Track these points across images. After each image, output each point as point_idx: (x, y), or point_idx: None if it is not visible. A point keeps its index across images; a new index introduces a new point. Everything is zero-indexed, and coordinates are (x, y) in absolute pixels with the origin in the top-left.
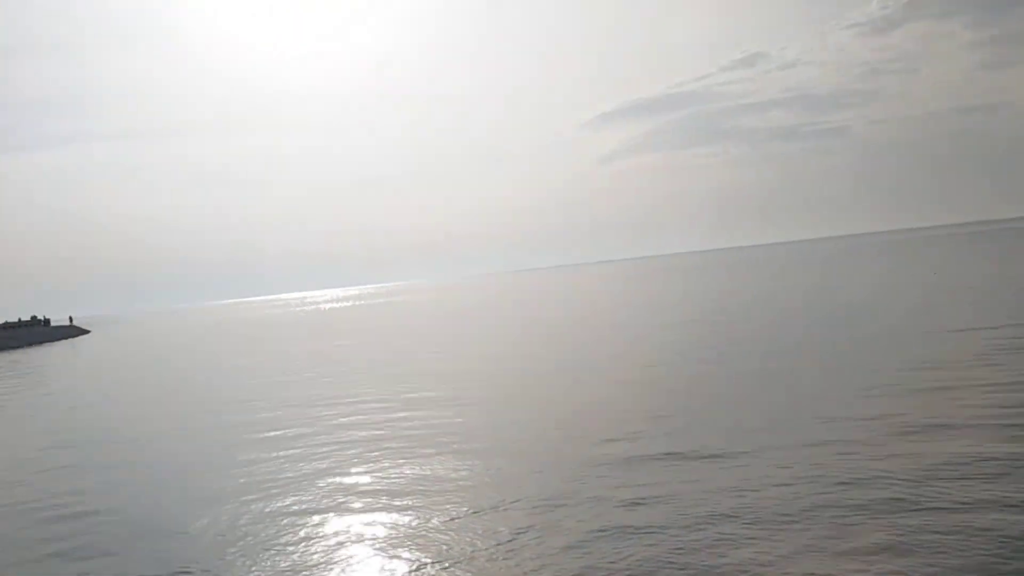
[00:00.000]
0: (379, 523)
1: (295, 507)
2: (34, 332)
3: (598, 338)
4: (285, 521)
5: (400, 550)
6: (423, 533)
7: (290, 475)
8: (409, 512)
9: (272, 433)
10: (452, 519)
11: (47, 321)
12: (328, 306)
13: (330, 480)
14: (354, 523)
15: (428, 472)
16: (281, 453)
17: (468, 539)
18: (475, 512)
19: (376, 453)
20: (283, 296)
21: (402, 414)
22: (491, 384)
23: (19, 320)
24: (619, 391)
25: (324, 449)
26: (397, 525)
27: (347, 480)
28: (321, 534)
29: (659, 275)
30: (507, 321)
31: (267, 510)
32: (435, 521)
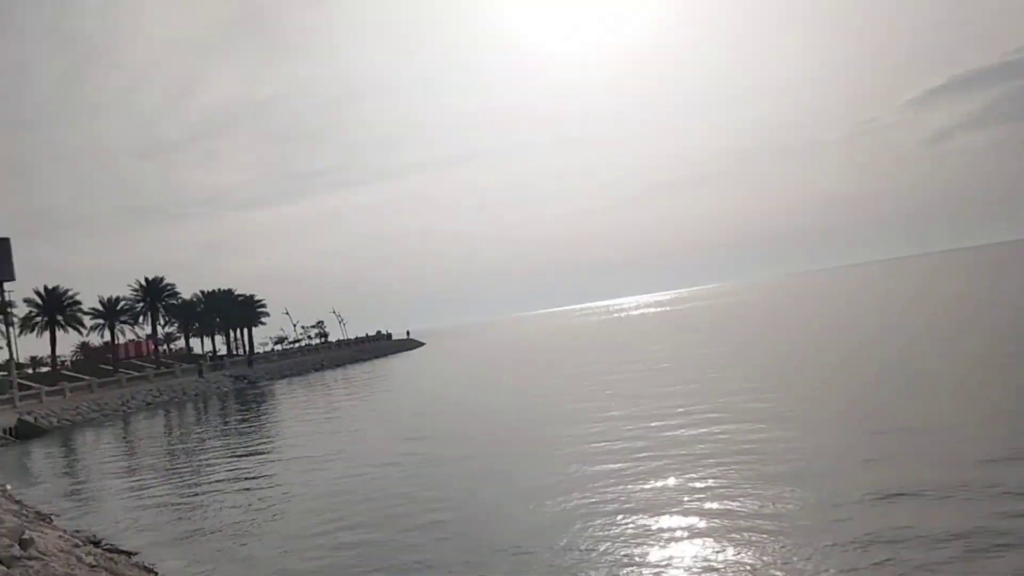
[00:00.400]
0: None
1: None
2: (379, 345)
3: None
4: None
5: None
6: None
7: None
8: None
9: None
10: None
11: (389, 335)
12: (639, 311)
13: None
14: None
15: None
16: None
17: None
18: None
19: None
20: (589, 305)
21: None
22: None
23: (366, 335)
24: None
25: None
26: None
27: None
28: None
29: (1005, 265)
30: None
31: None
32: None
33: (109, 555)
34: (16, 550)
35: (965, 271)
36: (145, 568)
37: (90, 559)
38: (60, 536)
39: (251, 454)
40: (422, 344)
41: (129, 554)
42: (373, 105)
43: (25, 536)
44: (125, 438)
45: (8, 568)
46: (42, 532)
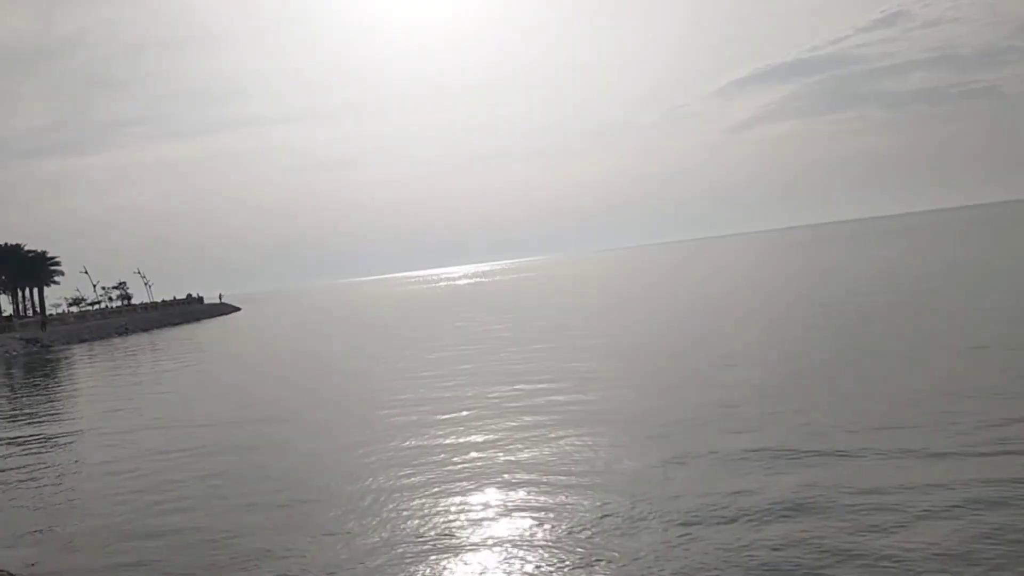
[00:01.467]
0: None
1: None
2: (190, 309)
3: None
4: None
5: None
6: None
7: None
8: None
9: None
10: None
11: (201, 299)
12: (463, 282)
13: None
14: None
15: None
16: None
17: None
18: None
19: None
20: (417, 273)
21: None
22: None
23: (173, 298)
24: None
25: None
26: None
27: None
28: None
29: (792, 247)
30: (645, 297)
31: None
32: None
33: None
34: None
35: (754, 252)
36: None
37: None
38: None
39: (45, 430)
40: (238, 309)
41: None
42: (195, 55)
43: None
44: None
45: None
46: None
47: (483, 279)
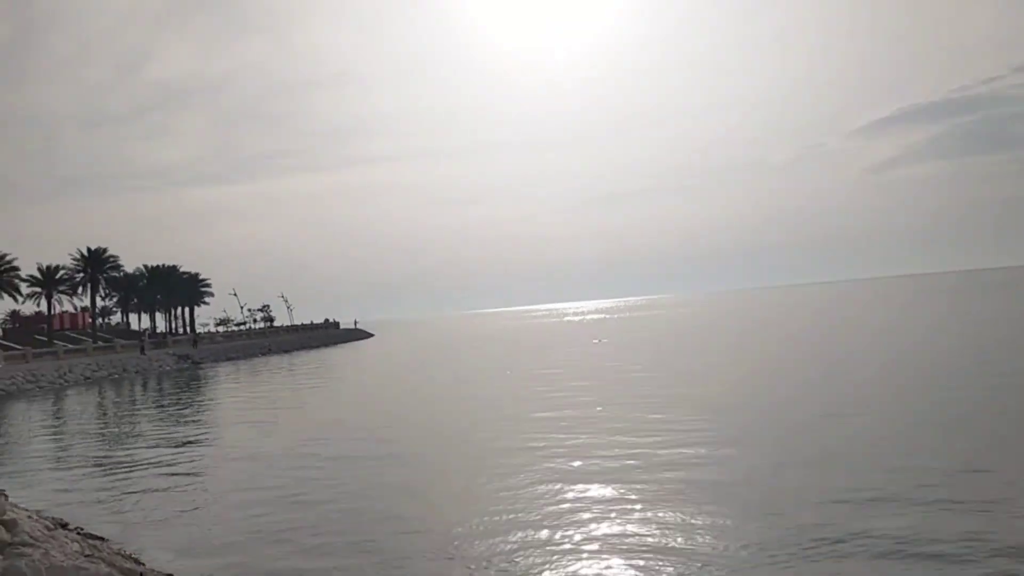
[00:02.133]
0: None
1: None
2: (328, 334)
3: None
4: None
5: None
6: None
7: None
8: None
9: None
10: None
11: (337, 324)
12: (582, 318)
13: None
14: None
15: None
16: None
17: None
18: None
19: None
20: (540, 307)
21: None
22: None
23: (311, 323)
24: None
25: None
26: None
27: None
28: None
29: (935, 294)
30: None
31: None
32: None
33: (91, 542)
34: (3, 533)
35: (893, 298)
36: (131, 558)
37: (75, 546)
38: (29, 516)
39: (192, 442)
40: (371, 335)
41: (102, 539)
42: (332, 93)
43: (6, 516)
44: (62, 413)
45: (4, 557)
46: (14, 510)
47: (606, 315)
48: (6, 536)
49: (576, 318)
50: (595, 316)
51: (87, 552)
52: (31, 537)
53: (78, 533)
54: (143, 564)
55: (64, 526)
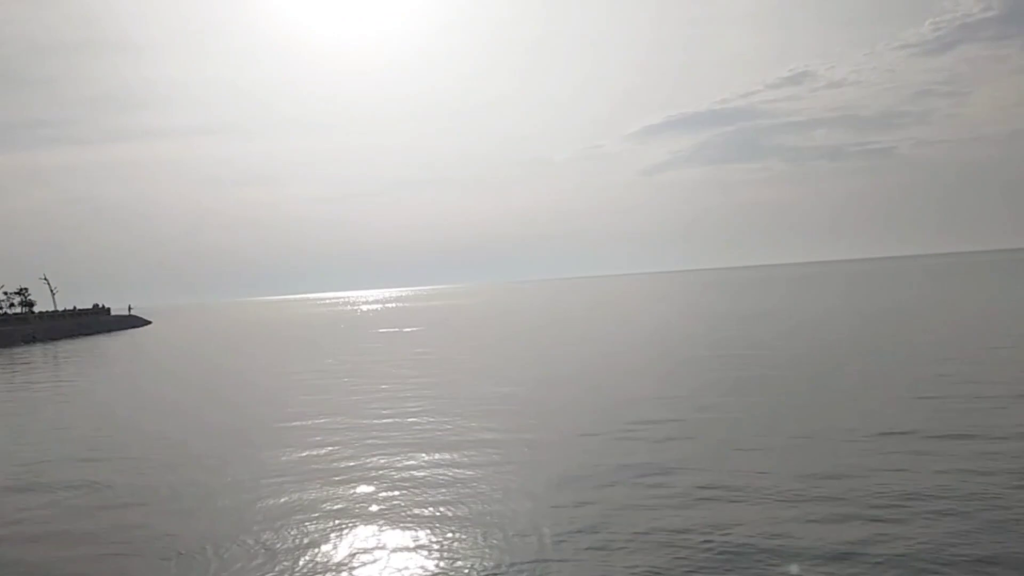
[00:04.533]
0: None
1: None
2: (101, 320)
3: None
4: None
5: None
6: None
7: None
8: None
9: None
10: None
11: (108, 310)
12: (366, 307)
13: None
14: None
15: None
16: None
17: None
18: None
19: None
20: (332, 295)
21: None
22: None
23: (74, 308)
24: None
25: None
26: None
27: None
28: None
29: (695, 289)
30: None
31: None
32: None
33: None
34: None
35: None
36: None
37: None
38: None
39: None
40: (148, 323)
41: None
42: (104, 61)
43: None
44: None
45: None
46: None
47: (392, 304)
48: None
49: (368, 307)
50: (387, 305)
51: None
52: None
53: None
54: None
55: None
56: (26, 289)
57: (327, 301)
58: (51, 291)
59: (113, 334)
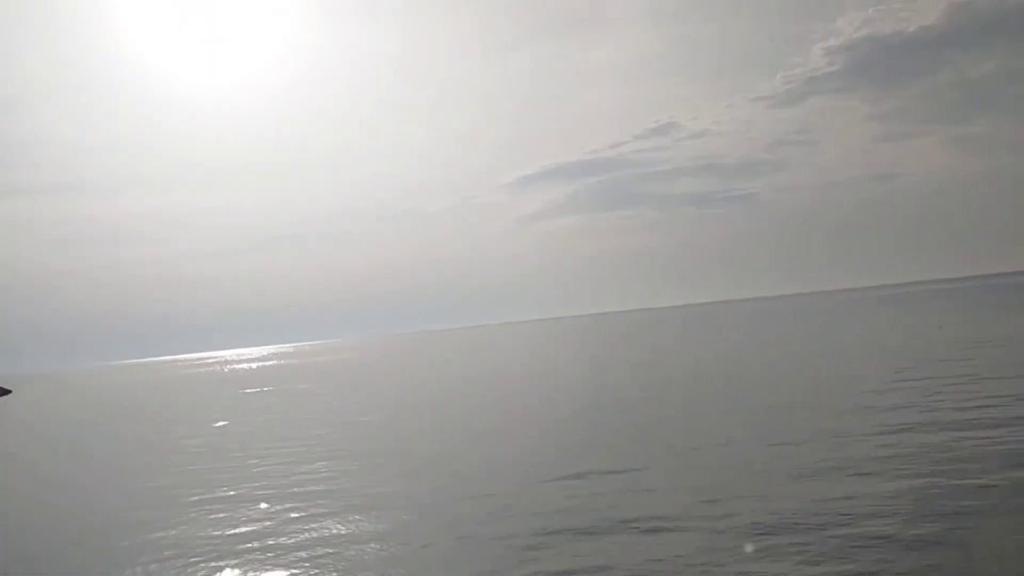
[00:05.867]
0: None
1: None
2: None
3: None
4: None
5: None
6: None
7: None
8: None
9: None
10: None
11: None
12: (244, 366)
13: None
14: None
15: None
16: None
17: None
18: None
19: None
20: (196, 355)
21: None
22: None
23: None
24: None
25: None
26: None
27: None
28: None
29: (571, 335)
30: (427, 382)
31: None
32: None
33: None
34: None
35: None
36: None
37: None
38: None
39: None
40: (8, 391)
41: None
42: None
43: None
44: None
45: None
46: None
47: (264, 363)
48: None
49: (244, 366)
50: (264, 364)
51: None
52: None
53: None
54: None
55: None
56: None
57: (201, 361)
58: None
59: None
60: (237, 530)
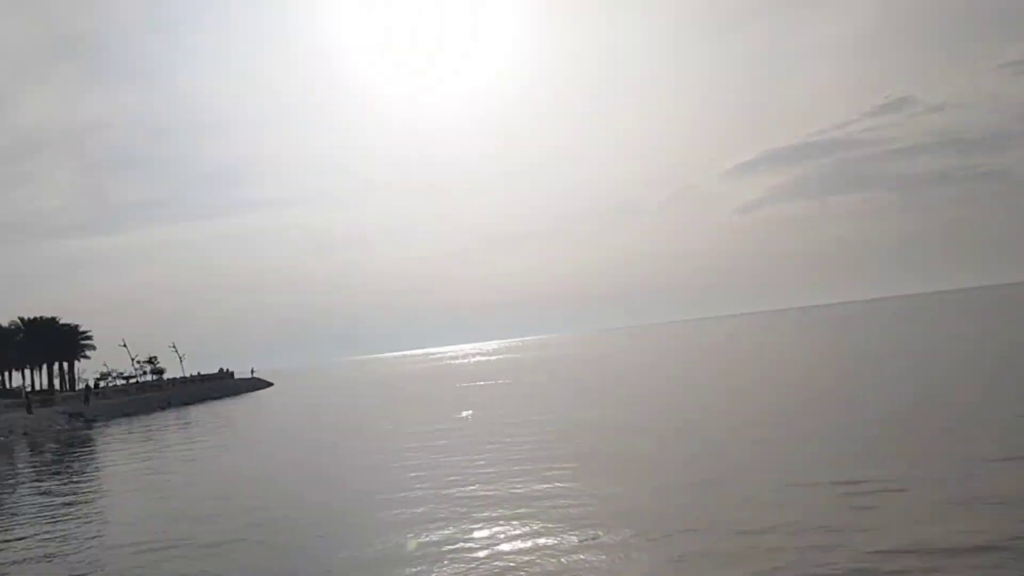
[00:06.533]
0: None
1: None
2: (227, 384)
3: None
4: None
5: None
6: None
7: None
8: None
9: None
10: None
11: (231, 373)
12: (475, 360)
13: None
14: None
15: None
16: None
17: None
18: None
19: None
20: (438, 349)
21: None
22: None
23: (199, 373)
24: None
25: None
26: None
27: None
28: None
29: (811, 327)
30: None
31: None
32: None
33: None
34: None
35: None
36: None
37: None
38: None
39: (80, 517)
40: (270, 384)
41: None
42: (207, 140)
43: None
44: None
45: None
46: None
47: (497, 356)
48: None
49: (476, 359)
50: (490, 357)
51: None
52: None
53: None
54: None
55: None
56: (155, 357)
57: (433, 356)
58: (179, 358)
59: (240, 396)
60: (500, 492)
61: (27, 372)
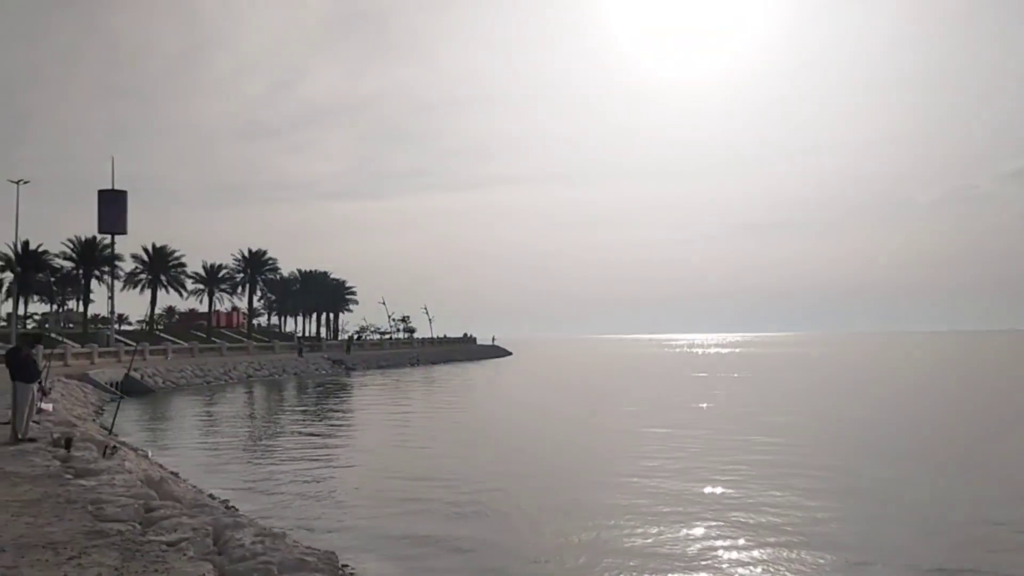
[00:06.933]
0: None
1: None
2: (469, 348)
3: None
4: None
5: None
6: None
7: None
8: None
9: None
10: None
11: (474, 339)
12: (707, 351)
13: None
14: None
15: None
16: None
17: None
18: None
19: None
20: (663, 336)
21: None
22: None
23: (444, 336)
24: None
25: None
26: None
27: None
28: None
29: None
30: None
31: None
32: None
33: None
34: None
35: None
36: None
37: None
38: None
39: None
40: (509, 353)
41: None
42: (468, 115)
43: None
44: (251, 403)
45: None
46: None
47: (734, 349)
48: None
49: (715, 351)
50: (727, 350)
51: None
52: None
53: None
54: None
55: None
56: (408, 317)
57: (663, 342)
58: (429, 320)
59: (480, 362)
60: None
61: (299, 319)
